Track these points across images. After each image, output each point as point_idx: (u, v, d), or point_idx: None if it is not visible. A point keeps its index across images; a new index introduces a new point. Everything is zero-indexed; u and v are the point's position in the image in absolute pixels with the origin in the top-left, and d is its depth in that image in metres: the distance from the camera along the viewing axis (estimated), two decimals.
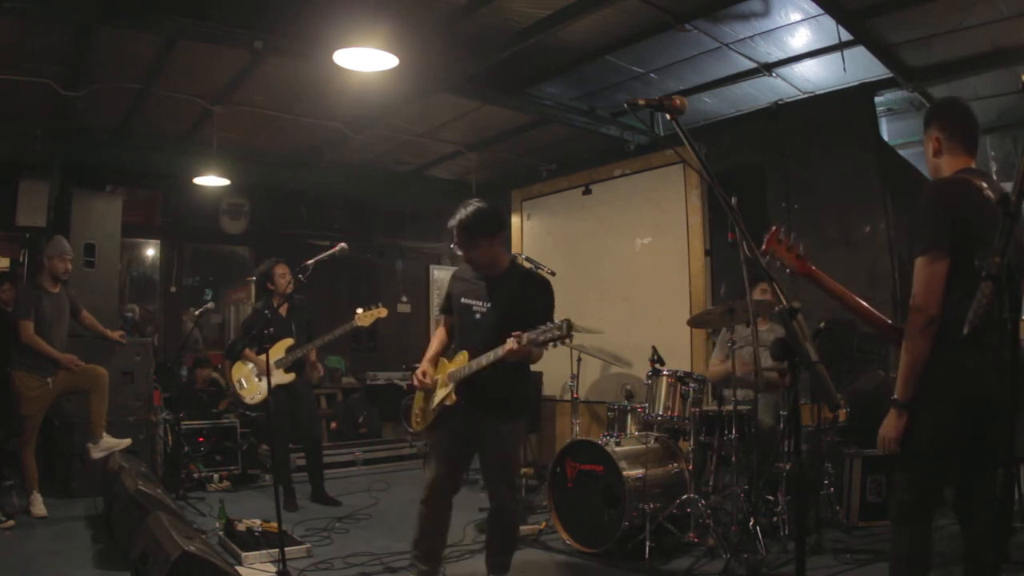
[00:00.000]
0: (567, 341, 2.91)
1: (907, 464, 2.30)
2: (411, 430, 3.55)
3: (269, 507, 3.67)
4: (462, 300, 3.27)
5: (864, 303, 2.41)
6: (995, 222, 2.16)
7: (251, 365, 5.46)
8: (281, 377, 5.24)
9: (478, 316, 3.20)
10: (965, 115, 2.44)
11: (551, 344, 2.89)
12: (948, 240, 2.17)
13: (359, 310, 5.20)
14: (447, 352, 3.38)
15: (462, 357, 3.19)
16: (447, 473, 3.25)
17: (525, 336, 2.89)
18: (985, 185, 2.30)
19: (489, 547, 3.44)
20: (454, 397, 3.17)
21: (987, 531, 2.27)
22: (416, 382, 3.35)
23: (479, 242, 3.15)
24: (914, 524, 2.29)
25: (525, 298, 3.16)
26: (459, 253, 3.24)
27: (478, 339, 3.14)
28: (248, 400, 5.44)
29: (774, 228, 2.34)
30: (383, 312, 5.25)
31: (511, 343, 2.91)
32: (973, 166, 2.39)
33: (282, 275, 5.40)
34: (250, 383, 5.42)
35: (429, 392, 3.32)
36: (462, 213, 3.15)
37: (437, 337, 3.46)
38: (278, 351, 5.28)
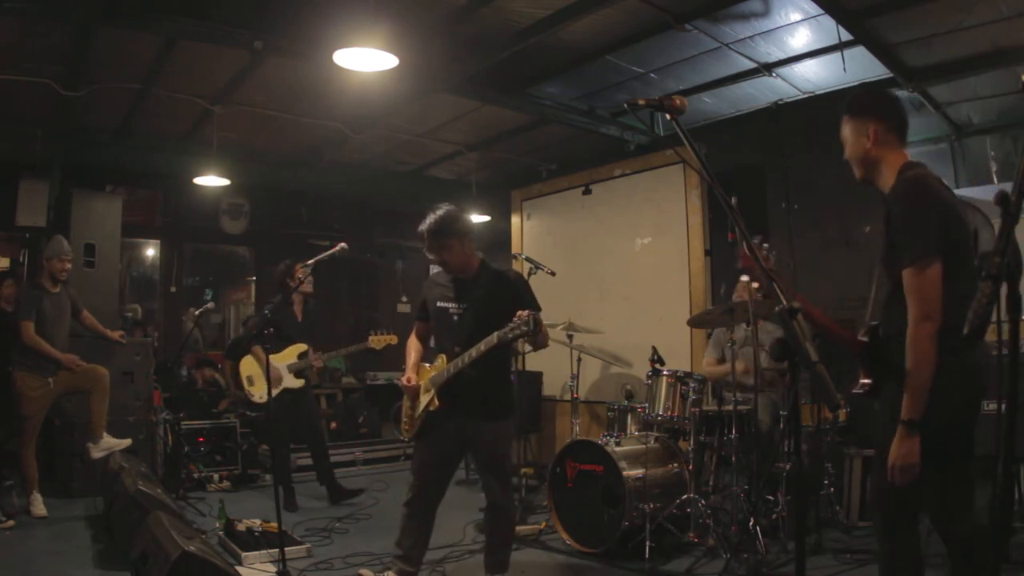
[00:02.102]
0: (532, 336, 3.00)
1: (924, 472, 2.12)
2: (402, 438, 3.59)
3: (269, 507, 3.68)
4: (438, 304, 3.33)
5: (829, 319, 2.29)
6: (963, 219, 2.17)
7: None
8: (290, 381, 5.27)
9: (455, 318, 3.26)
10: (901, 106, 2.39)
11: (521, 339, 2.99)
12: (939, 243, 2.09)
13: (372, 333, 5.24)
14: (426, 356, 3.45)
15: (440, 361, 3.25)
16: (431, 481, 3.31)
17: (495, 336, 2.99)
18: (943, 181, 2.27)
19: (487, 545, 3.47)
20: (437, 402, 3.21)
21: (976, 533, 2.20)
22: (403, 386, 3.40)
23: (449, 243, 3.22)
24: (912, 529, 2.22)
25: (499, 296, 3.21)
26: (431, 256, 3.31)
27: (455, 340, 3.21)
28: (256, 399, 5.40)
29: (745, 246, 2.17)
30: (394, 339, 5.27)
31: (483, 344, 3.02)
32: (908, 157, 2.33)
33: (304, 274, 5.37)
34: (259, 382, 5.37)
35: (414, 398, 3.36)
36: (431, 217, 3.24)
37: (413, 346, 3.49)
38: (291, 355, 5.31)
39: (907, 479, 2.06)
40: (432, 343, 3.45)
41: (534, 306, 3.17)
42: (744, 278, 4.66)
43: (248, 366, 5.43)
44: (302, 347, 5.35)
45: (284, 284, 5.39)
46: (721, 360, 5.01)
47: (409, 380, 3.35)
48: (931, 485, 2.13)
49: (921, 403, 2.04)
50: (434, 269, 3.61)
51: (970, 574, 2.27)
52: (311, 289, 5.43)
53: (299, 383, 5.31)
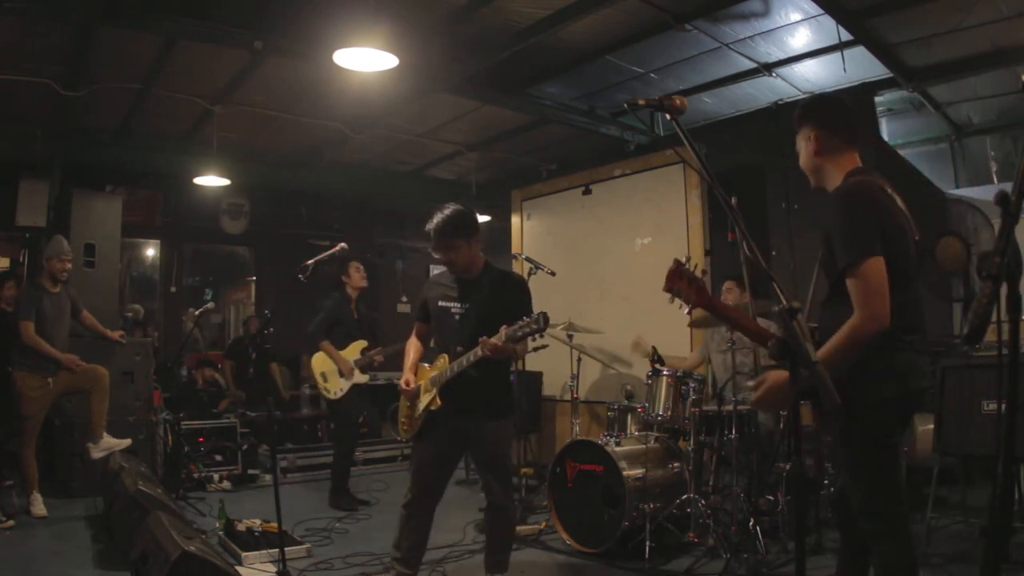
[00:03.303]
0: (542, 336, 2.98)
1: (874, 473, 2.16)
2: (400, 438, 3.57)
3: (269, 507, 3.68)
4: (439, 303, 3.30)
5: (761, 327, 2.34)
6: (903, 227, 2.20)
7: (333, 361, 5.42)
8: (358, 377, 5.37)
9: (457, 317, 3.24)
10: (842, 108, 2.40)
11: (529, 338, 2.96)
12: (880, 244, 2.09)
13: None
14: (427, 356, 3.43)
15: (442, 361, 3.23)
16: (430, 481, 3.28)
17: (503, 332, 2.95)
18: (888, 187, 2.29)
19: (487, 545, 3.46)
20: (439, 402, 3.19)
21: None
22: (402, 390, 3.37)
23: (457, 244, 3.20)
24: (906, 531, 2.19)
25: (501, 296, 3.21)
26: (437, 256, 3.28)
27: (457, 340, 3.19)
28: (331, 396, 5.41)
29: (675, 264, 2.22)
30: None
31: (494, 340, 2.96)
32: (859, 163, 2.35)
33: (357, 269, 5.48)
34: (332, 379, 5.40)
35: (413, 399, 3.34)
36: (439, 216, 3.20)
37: (412, 346, 3.48)
38: (353, 352, 5.41)
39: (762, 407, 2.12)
40: (432, 343, 3.44)
41: (525, 313, 3.18)
42: (727, 284, 4.73)
43: (320, 363, 5.44)
44: (363, 343, 5.46)
45: (339, 281, 5.51)
46: (702, 361, 5.07)
47: (407, 383, 3.33)
48: (858, 479, 2.18)
49: (832, 372, 1.91)
50: (435, 269, 3.60)
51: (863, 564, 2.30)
52: (365, 284, 5.56)
53: (365, 378, 5.43)
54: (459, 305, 3.25)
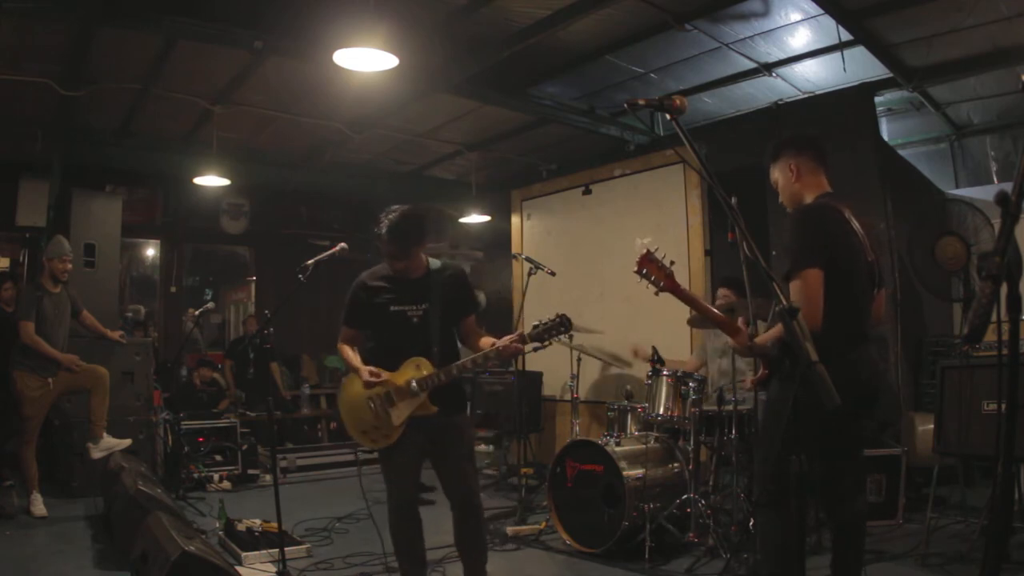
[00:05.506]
0: (567, 337, 2.99)
1: (776, 454, 2.44)
2: (370, 448, 3.30)
3: (269, 507, 3.68)
4: (392, 308, 3.08)
5: (725, 317, 2.64)
6: (854, 247, 2.51)
7: None
8: None
9: (415, 320, 3.06)
10: (815, 142, 2.70)
11: (551, 341, 2.96)
12: (821, 257, 2.40)
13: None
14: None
15: (424, 364, 3.02)
16: (412, 485, 3.19)
17: (525, 334, 2.92)
18: (847, 211, 2.58)
19: (465, 554, 3.20)
20: (433, 408, 3.02)
21: (861, 512, 2.58)
22: (371, 377, 3.05)
23: (413, 252, 3.06)
24: (782, 509, 2.44)
25: (454, 292, 3.15)
26: (389, 261, 3.08)
27: (423, 341, 3.03)
28: None
29: (645, 251, 2.50)
30: None
31: (509, 341, 2.89)
32: (829, 189, 2.65)
33: None
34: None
35: (382, 404, 3.07)
36: (390, 221, 2.99)
37: (349, 352, 3.21)
38: None
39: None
40: (378, 347, 3.20)
41: (477, 306, 3.21)
42: (722, 291, 4.75)
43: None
44: None
45: None
46: (701, 365, 5.06)
47: (378, 375, 3.04)
48: (819, 470, 2.46)
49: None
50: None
51: (852, 558, 2.55)
52: None
53: None
54: (415, 307, 3.07)
